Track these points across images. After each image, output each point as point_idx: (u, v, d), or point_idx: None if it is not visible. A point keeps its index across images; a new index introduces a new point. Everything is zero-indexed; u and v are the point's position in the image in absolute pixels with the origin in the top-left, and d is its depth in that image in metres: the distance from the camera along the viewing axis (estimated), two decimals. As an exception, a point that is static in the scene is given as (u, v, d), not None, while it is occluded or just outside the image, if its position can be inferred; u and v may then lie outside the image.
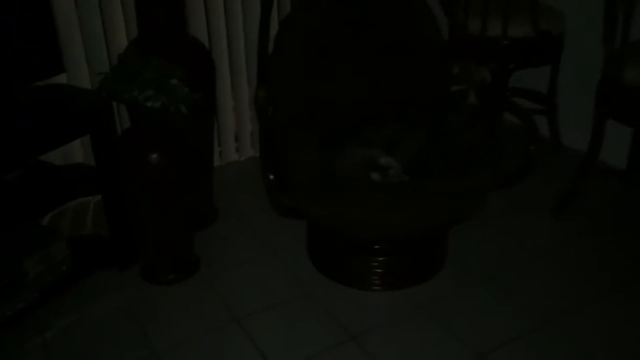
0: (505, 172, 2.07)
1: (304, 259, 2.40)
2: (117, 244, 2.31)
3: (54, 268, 2.14)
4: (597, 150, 2.42)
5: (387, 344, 2.00)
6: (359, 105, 2.32)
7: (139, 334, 2.06)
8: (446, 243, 2.36)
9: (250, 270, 2.37)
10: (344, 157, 2.09)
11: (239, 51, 2.99)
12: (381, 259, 2.13)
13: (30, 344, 2.02)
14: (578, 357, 1.92)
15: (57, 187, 2.09)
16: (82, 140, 2.60)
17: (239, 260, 2.43)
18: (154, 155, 2.04)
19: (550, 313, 2.10)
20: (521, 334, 2.01)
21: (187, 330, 2.06)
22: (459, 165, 2.06)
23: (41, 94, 2.10)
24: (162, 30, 2.23)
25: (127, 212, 2.22)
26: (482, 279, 2.27)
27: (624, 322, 2.06)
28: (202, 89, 2.21)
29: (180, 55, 2.21)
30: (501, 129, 2.25)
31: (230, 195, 2.86)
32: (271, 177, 1.94)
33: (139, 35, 2.30)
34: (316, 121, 2.25)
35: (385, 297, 2.20)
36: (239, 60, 3.01)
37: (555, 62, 2.97)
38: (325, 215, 1.94)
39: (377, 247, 2.14)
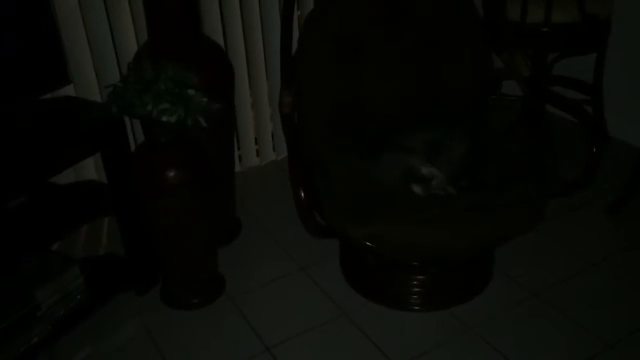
0: (562, 178, 1.85)
1: (337, 275, 2.21)
2: (134, 266, 2.13)
3: (68, 297, 1.97)
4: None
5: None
6: (394, 108, 2.11)
7: (161, 367, 1.89)
8: (493, 254, 2.15)
9: (279, 289, 2.18)
10: (381, 167, 1.88)
11: (257, 50, 2.78)
12: (421, 277, 1.93)
13: (45, 382, 1.86)
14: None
15: (66, 211, 1.90)
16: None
17: (267, 278, 2.24)
18: (172, 173, 1.85)
19: (618, 332, 1.89)
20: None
21: (213, 363, 1.89)
22: (512, 173, 1.84)
23: (45, 109, 1.92)
24: (174, 32, 2.03)
25: (144, 231, 2.03)
26: (535, 295, 2.06)
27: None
28: (220, 95, 2.01)
29: (195, 60, 2.01)
30: (551, 127, 2.03)
31: (252, 204, 2.67)
32: (302, 194, 1.74)
33: (150, 39, 2.10)
34: (348, 127, 2.05)
35: (428, 319, 2.00)
36: (258, 58, 2.80)
37: (602, 49, 2.72)
38: (364, 236, 1.74)
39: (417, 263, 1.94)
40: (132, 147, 2.18)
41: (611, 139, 2.95)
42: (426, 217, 1.72)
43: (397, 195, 1.81)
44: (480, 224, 1.74)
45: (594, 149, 1.79)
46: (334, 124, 2.06)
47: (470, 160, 1.92)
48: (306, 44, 2.01)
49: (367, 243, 1.76)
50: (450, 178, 1.86)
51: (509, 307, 2.02)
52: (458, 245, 1.74)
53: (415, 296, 2.00)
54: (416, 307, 2.01)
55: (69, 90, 2.19)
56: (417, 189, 1.81)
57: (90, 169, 2.52)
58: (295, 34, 2.07)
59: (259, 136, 2.97)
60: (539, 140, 1.97)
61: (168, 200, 1.88)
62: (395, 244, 1.75)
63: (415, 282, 1.98)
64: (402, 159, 1.88)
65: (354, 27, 2.03)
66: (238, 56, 2.70)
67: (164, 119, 1.70)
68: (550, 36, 2.51)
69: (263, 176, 2.95)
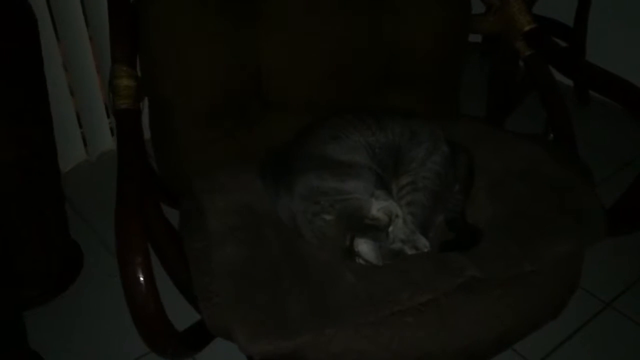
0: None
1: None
2: None
3: None
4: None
5: None
6: (320, 88, 1.27)
7: None
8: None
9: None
10: (299, 206, 1.05)
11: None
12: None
13: None
14: None
15: None
16: None
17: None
18: None
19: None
20: None
21: None
22: (526, 212, 1.07)
23: None
24: None
25: None
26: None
27: None
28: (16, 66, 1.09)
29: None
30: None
31: (90, 215, 1.78)
32: (142, 279, 0.85)
33: None
34: (242, 128, 1.20)
35: None
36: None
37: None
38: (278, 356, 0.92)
39: None
40: None
41: (591, 99, 2.26)
42: (387, 312, 0.93)
43: (332, 270, 1.00)
44: (483, 317, 0.96)
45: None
46: (216, 124, 1.20)
47: (462, 191, 1.13)
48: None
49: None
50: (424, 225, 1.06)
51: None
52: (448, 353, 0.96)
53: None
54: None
55: None
56: (365, 251, 1.00)
57: None
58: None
59: (84, 122, 2.01)
60: (560, 146, 1.19)
61: None
62: None
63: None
64: (333, 189, 1.05)
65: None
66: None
67: None
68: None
69: (97, 173, 2.01)
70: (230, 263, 0.99)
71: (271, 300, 0.94)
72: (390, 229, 1.03)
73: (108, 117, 2.04)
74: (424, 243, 1.04)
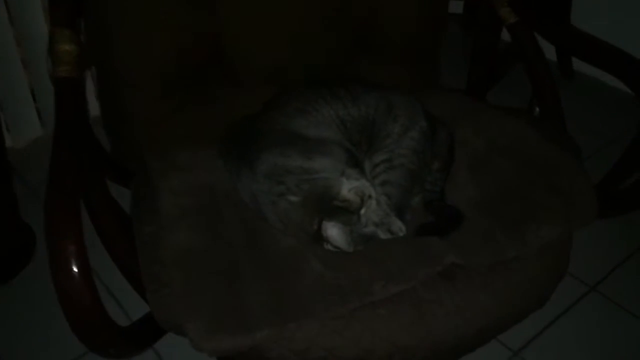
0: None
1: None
2: None
3: None
4: None
5: None
6: (291, 53, 1.15)
7: None
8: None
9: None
10: (263, 186, 0.94)
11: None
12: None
13: None
14: None
15: None
16: None
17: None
18: None
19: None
20: None
21: None
22: (510, 192, 0.98)
23: None
24: None
25: None
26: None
27: None
28: None
29: None
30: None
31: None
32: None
33: None
34: (202, 97, 1.08)
35: None
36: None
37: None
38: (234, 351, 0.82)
39: None
40: None
41: (575, 73, 2.17)
42: (357, 303, 0.83)
43: (298, 256, 0.90)
44: (464, 308, 0.87)
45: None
46: (172, 96, 1.08)
47: (442, 168, 1.03)
48: None
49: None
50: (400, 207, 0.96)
51: None
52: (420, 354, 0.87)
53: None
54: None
55: None
56: (334, 236, 0.90)
57: None
58: None
59: (39, 94, 1.86)
60: (549, 118, 1.10)
61: None
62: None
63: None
64: (299, 167, 0.95)
65: None
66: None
67: None
68: None
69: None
70: (182, 249, 0.89)
71: (228, 291, 0.84)
72: (363, 211, 0.94)
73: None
74: (399, 226, 0.95)
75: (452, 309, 0.87)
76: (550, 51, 1.57)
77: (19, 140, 1.84)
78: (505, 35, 1.27)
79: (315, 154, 0.96)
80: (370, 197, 0.95)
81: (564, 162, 1.01)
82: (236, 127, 1.05)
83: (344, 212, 0.92)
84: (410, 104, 1.09)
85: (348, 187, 0.93)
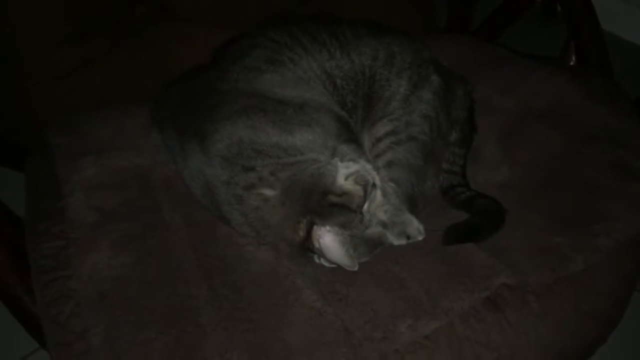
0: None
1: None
2: None
3: None
4: None
5: None
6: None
7: None
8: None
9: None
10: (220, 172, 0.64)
11: None
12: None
13: None
14: None
15: None
16: None
17: None
18: None
19: None
20: None
21: None
22: (574, 178, 0.71)
23: None
24: None
25: None
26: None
27: None
28: None
29: None
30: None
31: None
32: None
33: None
34: (115, 54, 0.75)
35: None
36: None
37: None
38: None
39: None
40: None
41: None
42: (375, 356, 0.55)
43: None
44: (518, 348, 0.61)
45: None
46: (79, 42, 0.75)
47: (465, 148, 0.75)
48: None
49: None
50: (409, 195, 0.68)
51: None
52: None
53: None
54: None
55: None
56: (329, 246, 0.61)
57: None
58: None
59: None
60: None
61: None
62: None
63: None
64: (275, 146, 0.65)
65: None
66: None
67: None
68: None
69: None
70: (102, 279, 0.58)
71: (174, 346, 0.54)
72: (365, 206, 0.65)
73: None
74: (417, 228, 0.67)
75: (505, 352, 0.60)
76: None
77: None
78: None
79: (296, 126, 0.67)
80: (374, 185, 0.66)
81: (633, 132, 0.75)
82: (179, 84, 0.73)
83: (342, 210, 0.63)
84: (416, 50, 0.79)
85: (345, 174, 0.64)
